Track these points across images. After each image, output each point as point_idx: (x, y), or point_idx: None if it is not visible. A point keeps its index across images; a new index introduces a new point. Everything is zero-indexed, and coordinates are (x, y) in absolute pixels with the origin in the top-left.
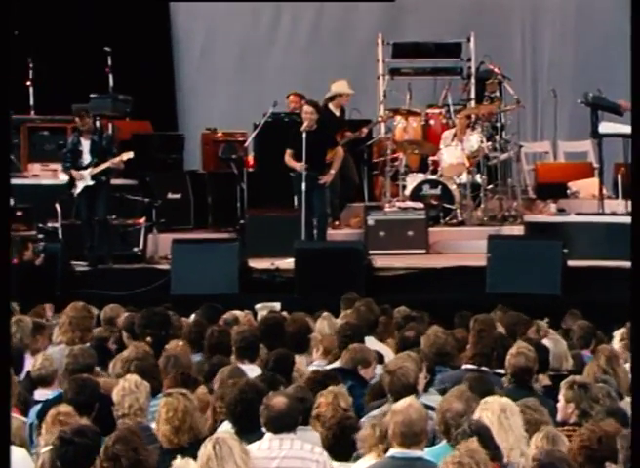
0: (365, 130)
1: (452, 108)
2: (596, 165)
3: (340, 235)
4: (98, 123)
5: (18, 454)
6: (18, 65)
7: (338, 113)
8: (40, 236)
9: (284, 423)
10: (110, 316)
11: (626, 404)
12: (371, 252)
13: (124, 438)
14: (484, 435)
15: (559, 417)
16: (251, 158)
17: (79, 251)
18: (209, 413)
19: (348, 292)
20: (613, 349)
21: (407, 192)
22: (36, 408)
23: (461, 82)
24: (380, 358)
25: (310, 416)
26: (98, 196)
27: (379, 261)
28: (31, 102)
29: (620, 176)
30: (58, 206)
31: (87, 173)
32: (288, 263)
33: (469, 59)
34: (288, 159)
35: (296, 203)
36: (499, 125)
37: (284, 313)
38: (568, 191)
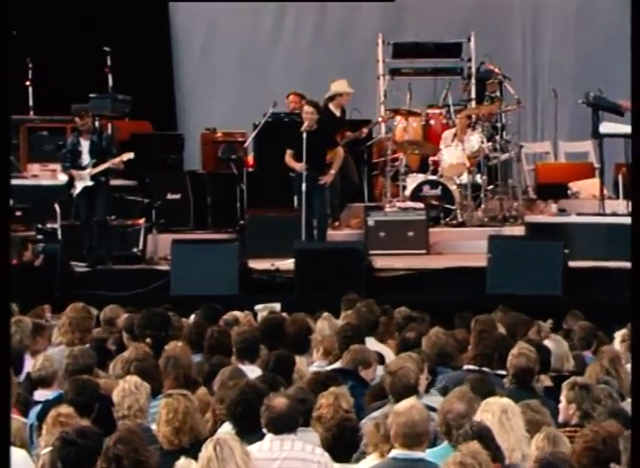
0: (365, 130)
1: (452, 108)
2: (597, 165)
3: (340, 235)
4: (97, 123)
5: (18, 455)
6: (17, 65)
7: (338, 113)
8: (39, 237)
9: (285, 424)
10: (110, 317)
11: (628, 405)
12: (371, 252)
13: (125, 438)
14: (485, 436)
15: (561, 418)
16: (251, 158)
17: (78, 251)
18: (209, 414)
19: (348, 292)
20: (615, 350)
21: (407, 192)
22: (36, 408)
23: (462, 82)
24: (381, 359)
25: (311, 417)
26: (97, 196)
27: (379, 262)
28: (30, 103)
29: (620, 177)
30: (57, 206)
31: (86, 173)
32: (288, 264)
33: (469, 59)
34: (288, 159)
35: (296, 203)
36: (499, 125)
37: (284, 314)
38: (569, 191)
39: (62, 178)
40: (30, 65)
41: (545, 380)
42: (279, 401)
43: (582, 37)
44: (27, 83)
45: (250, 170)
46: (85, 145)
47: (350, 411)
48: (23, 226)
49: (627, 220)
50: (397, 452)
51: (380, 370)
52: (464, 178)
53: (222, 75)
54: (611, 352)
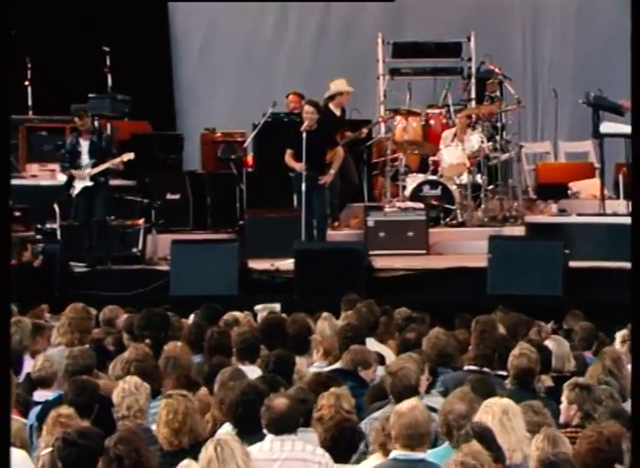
0: (365, 130)
1: (452, 108)
2: (597, 165)
3: (339, 236)
4: (96, 123)
5: (18, 456)
6: (16, 65)
7: (338, 113)
8: (38, 237)
9: (285, 424)
10: (109, 317)
11: (629, 405)
12: (371, 252)
13: (126, 438)
14: (486, 436)
15: (562, 419)
16: (250, 158)
17: (78, 251)
18: (209, 415)
19: (348, 292)
20: (617, 351)
21: (407, 192)
22: (36, 409)
23: (462, 82)
24: (381, 359)
25: (311, 418)
26: (96, 197)
27: (379, 262)
28: (29, 102)
29: (621, 177)
30: (56, 206)
31: (86, 173)
32: (288, 264)
33: (470, 59)
34: (288, 159)
35: (295, 203)
36: (499, 125)
37: (284, 314)
38: (569, 191)
39: (62, 179)
40: (29, 65)
41: (546, 381)
42: (279, 401)
43: (582, 37)
44: (26, 83)
45: (249, 170)
46: (84, 145)
47: (352, 412)
48: (23, 226)
49: (628, 220)
50: (398, 453)
51: (380, 370)
52: (464, 178)
53: (222, 75)
54: (612, 353)
